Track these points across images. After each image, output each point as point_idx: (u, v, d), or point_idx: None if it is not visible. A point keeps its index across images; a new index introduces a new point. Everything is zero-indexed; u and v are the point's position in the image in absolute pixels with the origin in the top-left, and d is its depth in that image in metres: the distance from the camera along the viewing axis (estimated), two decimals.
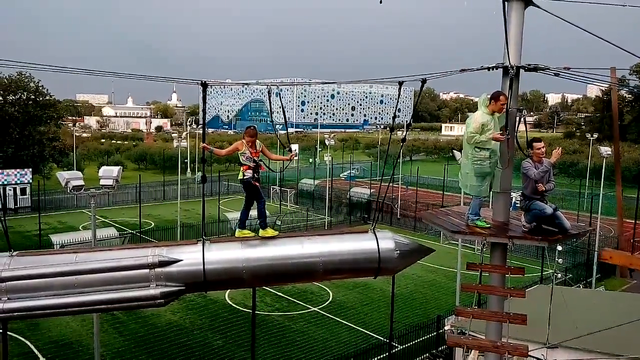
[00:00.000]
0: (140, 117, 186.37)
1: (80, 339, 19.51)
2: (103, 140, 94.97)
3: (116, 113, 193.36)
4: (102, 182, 13.79)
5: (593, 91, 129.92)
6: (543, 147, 6.93)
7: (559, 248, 21.97)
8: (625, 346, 12.39)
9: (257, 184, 6.59)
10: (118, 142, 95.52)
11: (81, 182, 13.72)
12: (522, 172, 6.93)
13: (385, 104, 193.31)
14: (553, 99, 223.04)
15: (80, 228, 35.03)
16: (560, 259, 23.78)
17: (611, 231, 34.87)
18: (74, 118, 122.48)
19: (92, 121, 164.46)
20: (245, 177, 6.51)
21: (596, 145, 40.06)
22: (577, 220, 31.83)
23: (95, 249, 6.37)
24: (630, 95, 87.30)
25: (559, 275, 24.28)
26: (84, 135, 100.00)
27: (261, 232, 6.25)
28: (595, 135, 50.01)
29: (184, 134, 54.80)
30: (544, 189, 6.73)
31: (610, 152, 28.54)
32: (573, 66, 6.39)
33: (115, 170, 14.02)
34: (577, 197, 42.23)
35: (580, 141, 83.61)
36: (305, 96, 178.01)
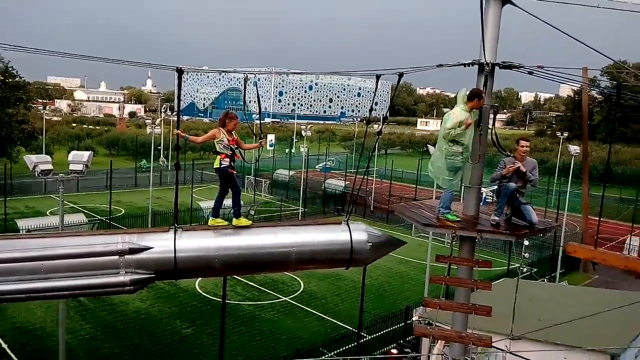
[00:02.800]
0: (113, 102, 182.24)
1: (45, 325, 19.15)
2: (74, 125, 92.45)
3: (88, 97, 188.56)
4: (71, 167, 13.50)
5: (565, 91, 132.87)
6: (525, 147, 7.13)
7: (526, 243, 22.60)
8: (585, 338, 12.83)
9: (234, 172, 6.53)
10: (89, 127, 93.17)
11: (49, 167, 13.41)
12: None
13: (362, 96, 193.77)
14: (526, 97, 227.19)
15: (47, 213, 34.19)
16: (526, 254, 24.49)
17: (577, 227, 35.91)
18: (44, 101, 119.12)
19: (63, 105, 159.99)
20: (222, 166, 6.44)
21: (566, 144, 41.05)
22: (544, 216, 32.65)
23: (63, 234, 6.24)
24: (600, 96, 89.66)
25: (525, 270, 24.98)
26: (55, 119, 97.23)
27: (235, 221, 6.21)
28: (566, 134, 51.19)
29: (158, 120, 53.98)
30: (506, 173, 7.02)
31: (579, 151, 29.31)
32: (547, 65, 6.54)
33: (85, 155, 13.74)
34: (545, 194, 43.27)
35: (550, 139, 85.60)
36: (283, 86, 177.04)
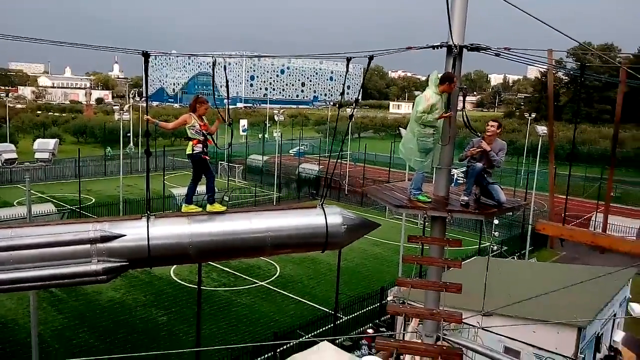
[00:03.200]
0: (79, 88, 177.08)
1: (17, 317, 18.79)
2: (39, 112, 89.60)
3: (53, 83, 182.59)
4: (37, 155, 13.16)
5: (533, 72, 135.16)
6: (492, 127, 7.30)
7: (496, 222, 23.11)
8: (553, 313, 13.31)
9: (207, 157, 6.48)
10: (55, 114, 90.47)
11: (14, 155, 13.05)
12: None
13: (335, 80, 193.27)
14: (495, 79, 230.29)
15: (14, 204, 33.28)
16: (496, 232, 25.07)
17: (545, 206, 36.92)
18: (6, 88, 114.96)
19: (26, 92, 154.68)
20: (194, 151, 6.37)
21: (534, 125, 41.93)
22: (514, 196, 33.45)
23: (32, 224, 6.11)
24: (566, 77, 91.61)
25: (495, 248, 25.60)
26: (18, 106, 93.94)
27: (209, 207, 6.18)
28: (533, 115, 52.23)
29: (127, 106, 52.76)
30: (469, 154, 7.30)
31: (546, 131, 30.01)
32: (514, 47, 6.65)
33: (51, 142, 13.40)
34: (514, 174, 44.25)
35: (519, 120, 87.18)
36: (254, 71, 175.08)
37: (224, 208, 6.16)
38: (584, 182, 44.34)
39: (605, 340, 16.16)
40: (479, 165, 7.14)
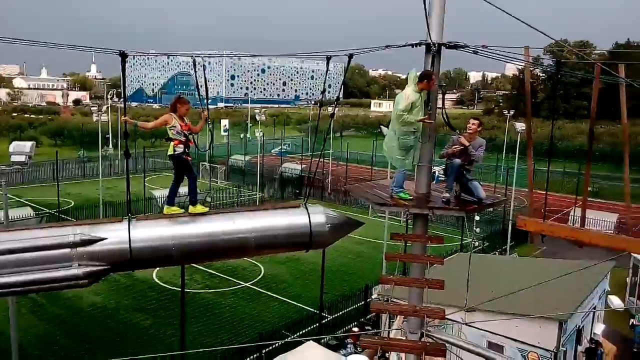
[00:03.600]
0: (56, 89, 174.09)
1: None
2: (14, 114, 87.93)
3: (29, 85, 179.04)
4: (13, 158, 12.91)
5: (510, 70, 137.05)
6: (474, 126, 7.41)
7: (477, 218, 23.40)
8: (535, 307, 13.52)
9: (189, 158, 6.41)
10: (32, 116, 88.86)
11: None
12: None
13: (316, 79, 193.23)
14: (474, 77, 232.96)
15: None
16: (477, 229, 25.39)
17: (525, 202, 37.45)
18: None
19: (1, 93, 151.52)
20: (176, 152, 6.30)
21: (512, 122, 42.54)
22: (494, 192, 33.88)
23: (9, 229, 5.98)
24: (543, 74, 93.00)
25: (477, 244, 25.93)
26: None
27: (191, 209, 6.12)
28: (512, 112, 52.99)
29: (105, 107, 52.06)
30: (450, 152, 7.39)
31: (524, 128, 30.44)
32: (491, 45, 6.72)
33: (27, 145, 13.16)
34: (494, 170, 44.82)
35: (498, 117, 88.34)
36: (235, 70, 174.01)
37: (206, 209, 6.12)
38: (563, 178, 45.11)
39: (586, 333, 16.47)
40: (457, 161, 7.23)
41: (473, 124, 7.46)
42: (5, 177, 12.87)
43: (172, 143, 6.28)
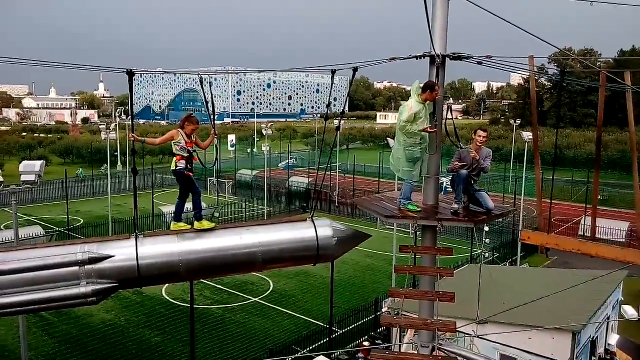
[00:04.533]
0: (64, 108, 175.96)
1: (6, 343, 18.40)
2: (24, 134, 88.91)
3: (38, 104, 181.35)
4: (23, 177, 13.00)
5: (516, 79, 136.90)
6: (482, 137, 7.33)
7: (486, 229, 23.19)
8: (547, 318, 13.33)
9: (190, 174, 6.43)
10: (41, 135, 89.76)
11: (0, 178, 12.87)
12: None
13: (321, 92, 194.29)
14: (479, 87, 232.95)
15: (1, 227, 32.82)
16: (487, 239, 25.16)
17: (534, 211, 37.15)
18: None
19: (11, 113, 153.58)
20: (177, 168, 6.33)
21: (519, 131, 42.34)
22: (502, 202, 33.68)
23: (18, 247, 6.01)
24: (549, 83, 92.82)
25: (487, 255, 25.69)
26: (3, 128, 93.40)
27: (196, 225, 6.11)
28: (518, 121, 52.83)
29: (113, 125, 52.50)
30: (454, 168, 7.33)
31: (531, 137, 30.32)
32: (495, 55, 6.73)
33: (37, 164, 13.25)
34: (502, 180, 44.57)
35: (504, 127, 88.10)
36: (240, 85, 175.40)
37: (212, 225, 6.11)
38: (571, 186, 44.76)
39: (600, 343, 16.20)
40: (464, 172, 7.20)
41: (482, 136, 7.39)
42: (15, 196, 12.98)
43: (175, 158, 6.31)
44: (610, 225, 30.25)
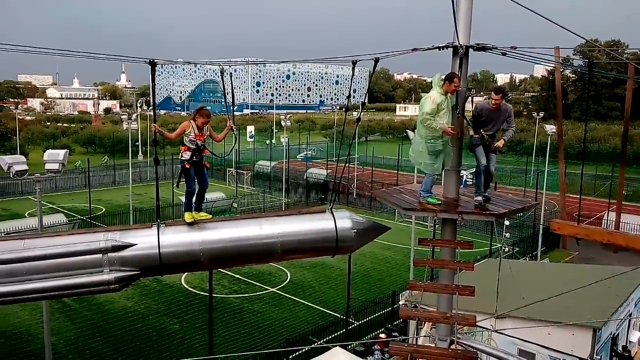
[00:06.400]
0: (87, 98, 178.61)
1: (30, 328, 18.89)
2: (48, 123, 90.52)
3: (61, 94, 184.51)
4: (47, 166, 13.26)
5: (539, 71, 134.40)
6: (495, 100, 7.26)
7: (507, 223, 22.90)
8: (567, 314, 13.16)
9: (188, 166, 6.38)
10: (64, 124, 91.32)
11: (25, 167, 13.15)
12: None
13: (340, 84, 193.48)
14: (502, 79, 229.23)
15: (26, 215, 33.58)
16: (507, 234, 24.85)
17: (555, 206, 36.58)
18: (16, 100, 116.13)
19: (35, 103, 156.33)
20: (181, 158, 6.36)
21: (542, 124, 41.63)
22: (524, 196, 33.18)
23: (44, 234, 6.14)
24: (574, 75, 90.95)
25: (507, 249, 25.39)
26: (28, 118, 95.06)
27: (192, 215, 6.06)
28: (542, 114, 51.93)
29: (134, 115, 53.12)
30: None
31: (554, 130, 29.78)
32: (520, 46, 6.60)
33: (61, 153, 13.50)
34: (524, 174, 43.93)
35: (527, 120, 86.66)
36: (260, 77, 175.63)
37: (209, 216, 6.14)
38: (595, 181, 43.89)
39: (622, 341, 15.94)
40: (483, 163, 7.19)
41: (493, 98, 7.32)
42: (39, 184, 13.25)
43: (181, 148, 6.35)
44: (635, 221, 29.68)
